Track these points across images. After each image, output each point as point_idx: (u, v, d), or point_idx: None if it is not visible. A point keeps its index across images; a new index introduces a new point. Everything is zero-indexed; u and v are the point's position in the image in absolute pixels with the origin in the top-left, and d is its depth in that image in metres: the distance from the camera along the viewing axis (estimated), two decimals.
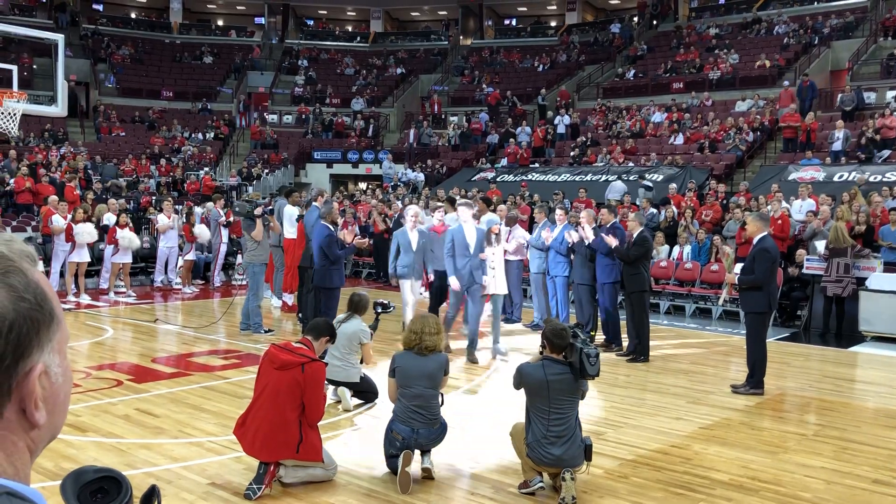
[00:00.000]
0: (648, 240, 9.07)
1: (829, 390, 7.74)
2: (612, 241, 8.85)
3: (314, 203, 10.44)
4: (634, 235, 8.86)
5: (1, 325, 0.85)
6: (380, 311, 6.92)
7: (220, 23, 38.17)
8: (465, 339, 8.90)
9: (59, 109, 12.96)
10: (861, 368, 9.26)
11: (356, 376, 6.57)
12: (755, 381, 7.32)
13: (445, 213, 10.90)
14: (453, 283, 8.65)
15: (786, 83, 21.09)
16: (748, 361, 7.38)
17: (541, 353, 4.85)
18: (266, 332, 9.87)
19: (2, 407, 0.87)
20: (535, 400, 4.69)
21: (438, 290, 10.24)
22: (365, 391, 6.68)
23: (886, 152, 17.02)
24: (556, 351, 4.71)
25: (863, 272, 10.95)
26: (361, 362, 6.66)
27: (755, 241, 7.31)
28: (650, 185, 17.19)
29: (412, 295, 9.57)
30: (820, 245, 11.51)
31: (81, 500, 0.93)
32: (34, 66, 26.20)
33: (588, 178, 19.06)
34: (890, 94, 19.51)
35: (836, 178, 15.97)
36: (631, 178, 18.13)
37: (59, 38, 12.60)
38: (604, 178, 18.98)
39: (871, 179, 15.39)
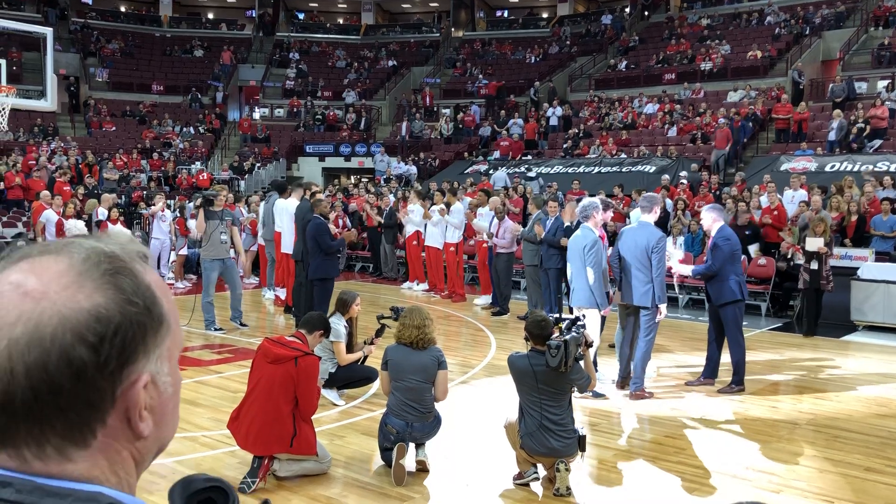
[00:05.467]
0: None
1: (821, 379, 7.78)
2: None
3: (304, 196, 10.40)
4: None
5: (106, 329, 0.80)
6: (384, 316, 6.10)
7: (210, 16, 37.96)
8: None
9: (49, 104, 12.90)
10: (853, 357, 9.30)
11: (325, 372, 6.30)
12: (740, 377, 7.05)
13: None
14: (662, 309, 6.91)
15: (721, 120, 19.58)
16: (732, 358, 7.05)
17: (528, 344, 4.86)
18: (216, 329, 9.62)
19: (105, 414, 0.82)
20: (524, 390, 4.70)
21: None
22: (353, 381, 6.55)
23: (877, 142, 17.06)
24: (538, 342, 4.71)
25: (854, 262, 10.98)
26: (364, 360, 6.56)
27: (714, 233, 7.05)
28: (532, 175, 18.07)
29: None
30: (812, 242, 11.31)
31: None
32: (23, 61, 26.03)
33: (581, 169, 19.07)
34: (881, 84, 19.54)
35: (827, 169, 16.03)
36: (511, 170, 19.43)
37: (47, 31, 12.54)
38: (596, 169, 19.00)
39: (862, 169, 15.41)
